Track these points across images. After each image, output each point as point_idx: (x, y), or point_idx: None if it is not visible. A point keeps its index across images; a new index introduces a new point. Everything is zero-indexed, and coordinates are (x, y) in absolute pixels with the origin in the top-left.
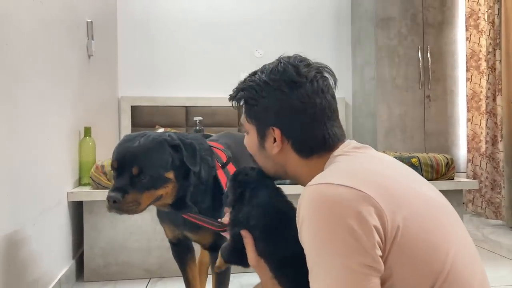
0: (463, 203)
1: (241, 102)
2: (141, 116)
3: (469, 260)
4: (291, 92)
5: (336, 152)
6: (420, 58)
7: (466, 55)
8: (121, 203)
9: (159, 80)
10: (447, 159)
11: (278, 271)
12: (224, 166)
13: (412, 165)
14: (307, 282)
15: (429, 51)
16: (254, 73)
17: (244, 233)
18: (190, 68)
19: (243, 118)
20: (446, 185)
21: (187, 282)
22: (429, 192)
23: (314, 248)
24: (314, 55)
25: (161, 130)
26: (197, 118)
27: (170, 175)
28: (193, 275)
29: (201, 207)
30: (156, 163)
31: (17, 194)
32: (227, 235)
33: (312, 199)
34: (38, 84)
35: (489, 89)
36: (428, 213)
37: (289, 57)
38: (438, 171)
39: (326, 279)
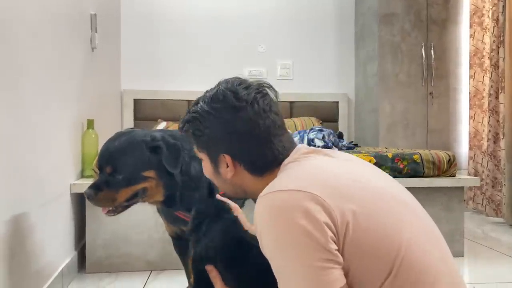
0: (464, 200)
1: (190, 136)
2: (143, 109)
3: (425, 243)
4: (234, 118)
5: (286, 161)
6: (423, 55)
7: (470, 52)
8: (94, 199)
9: (161, 74)
10: (449, 156)
11: None
12: None
13: (414, 162)
14: None
15: (432, 48)
16: (197, 102)
17: (209, 268)
18: (193, 62)
19: (194, 148)
20: (448, 182)
21: (188, 274)
22: (383, 185)
23: (274, 256)
24: (318, 51)
25: (163, 123)
26: None
27: (151, 173)
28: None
29: (192, 204)
30: (129, 163)
31: (21, 186)
32: None
33: (263, 210)
34: (42, 76)
35: (492, 86)
36: (378, 206)
37: (227, 82)
38: (439, 168)
39: (291, 282)
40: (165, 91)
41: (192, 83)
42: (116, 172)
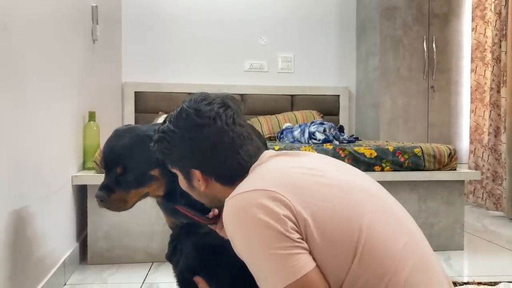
0: (464, 194)
1: (162, 155)
2: (144, 102)
3: (390, 229)
4: (198, 136)
5: (252, 166)
6: (425, 49)
7: (472, 46)
8: (107, 202)
9: (163, 66)
10: (449, 149)
11: None
12: None
13: (415, 155)
14: None
15: (434, 42)
16: (164, 122)
17: (198, 280)
18: (194, 55)
19: (167, 164)
20: (449, 175)
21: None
22: (348, 178)
23: (245, 254)
24: (319, 45)
25: (164, 116)
26: None
27: (155, 172)
28: None
29: (192, 198)
30: (139, 161)
31: (23, 178)
32: (214, 228)
33: (228, 213)
34: (43, 68)
35: (493, 80)
36: (340, 196)
37: (190, 100)
38: (440, 162)
39: (263, 274)
40: (166, 84)
41: (193, 75)
42: (126, 172)
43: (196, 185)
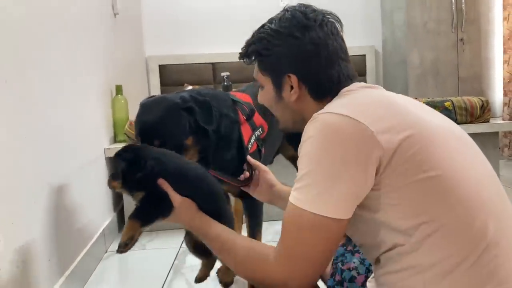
0: (499, 147)
1: (253, 57)
2: (169, 74)
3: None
4: (303, 36)
5: (343, 90)
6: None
7: None
8: None
9: (185, 38)
10: (482, 101)
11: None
12: (248, 118)
13: (445, 109)
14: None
15: None
16: (262, 26)
17: (161, 182)
18: (215, 23)
19: (256, 73)
20: (482, 127)
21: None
22: (438, 121)
23: (309, 160)
24: (341, 2)
25: (189, 88)
26: (224, 74)
27: (189, 141)
28: None
29: (223, 162)
30: (175, 132)
31: (59, 149)
32: (247, 189)
33: (315, 126)
34: (67, 44)
35: None
36: (434, 135)
37: (294, 6)
38: (472, 114)
39: (308, 182)
40: (189, 55)
41: (216, 44)
42: (164, 145)
43: (286, 96)
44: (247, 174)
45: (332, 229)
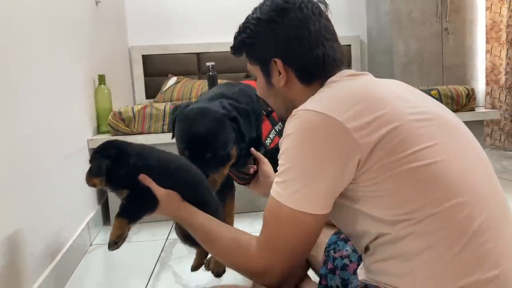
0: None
1: (242, 49)
2: (153, 65)
3: (465, 159)
4: (282, 20)
5: (329, 80)
6: None
7: None
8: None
9: (168, 27)
10: (467, 90)
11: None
12: (269, 114)
13: (432, 98)
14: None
15: None
16: (247, 17)
17: (142, 177)
18: (200, 13)
19: (248, 65)
20: (468, 116)
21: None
22: (439, 110)
23: (288, 157)
24: None
25: (173, 78)
26: (209, 64)
27: (233, 151)
28: (228, 211)
29: (239, 157)
30: (225, 143)
31: (41, 140)
32: (248, 186)
33: (295, 122)
34: (48, 32)
35: (510, 17)
36: (418, 128)
37: None
38: (458, 103)
39: (292, 176)
40: (173, 45)
41: (201, 35)
42: (214, 157)
43: (275, 82)
44: (255, 167)
45: (310, 223)
